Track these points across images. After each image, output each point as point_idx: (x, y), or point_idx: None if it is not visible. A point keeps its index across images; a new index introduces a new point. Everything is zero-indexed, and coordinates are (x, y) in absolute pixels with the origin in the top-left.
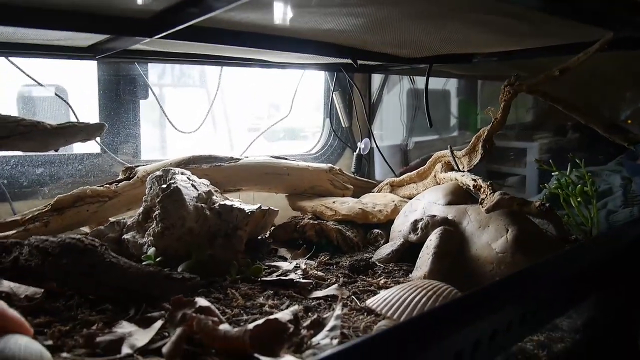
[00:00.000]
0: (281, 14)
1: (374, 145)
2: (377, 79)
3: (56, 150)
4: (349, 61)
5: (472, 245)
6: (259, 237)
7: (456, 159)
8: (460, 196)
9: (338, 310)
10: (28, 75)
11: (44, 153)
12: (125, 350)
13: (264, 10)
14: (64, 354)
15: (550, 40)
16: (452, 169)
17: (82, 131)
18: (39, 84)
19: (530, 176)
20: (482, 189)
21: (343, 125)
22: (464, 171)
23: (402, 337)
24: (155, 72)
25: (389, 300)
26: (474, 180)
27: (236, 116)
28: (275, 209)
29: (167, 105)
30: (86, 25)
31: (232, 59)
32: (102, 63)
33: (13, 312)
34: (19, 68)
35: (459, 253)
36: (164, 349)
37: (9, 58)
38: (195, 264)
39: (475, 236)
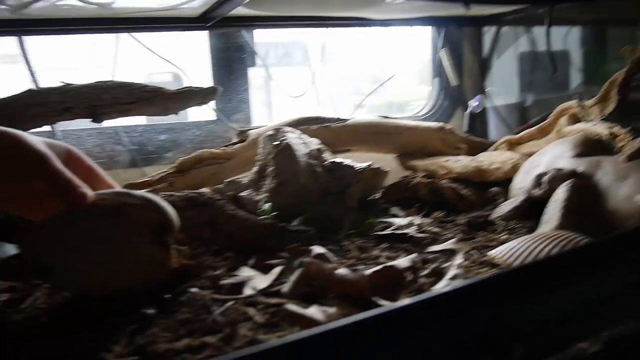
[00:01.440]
0: None
1: (487, 103)
2: (489, 32)
3: (176, 114)
4: (458, 13)
5: (608, 199)
6: (369, 198)
7: (585, 109)
8: (591, 147)
9: (459, 259)
10: (150, 50)
11: (166, 121)
12: (248, 291)
13: None
14: (194, 289)
15: None
16: (579, 121)
17: (198, 95)
18: (162, 57)
19: None
20: (620, 137)
21: (452, 84)
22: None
23: (522, 280)
24: (259, 53)
25: (516, 250)
26: (610, 127)
27: (340, 92)
28: (385, 170)
29: (271, 84)
30: None
31: (334, 19)
32: (213, 33)
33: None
34: (141, 43)
35: (592, 208)
36: (284, 289)
37: (132, 34)
38: (309, 219)
39: (612, 189)
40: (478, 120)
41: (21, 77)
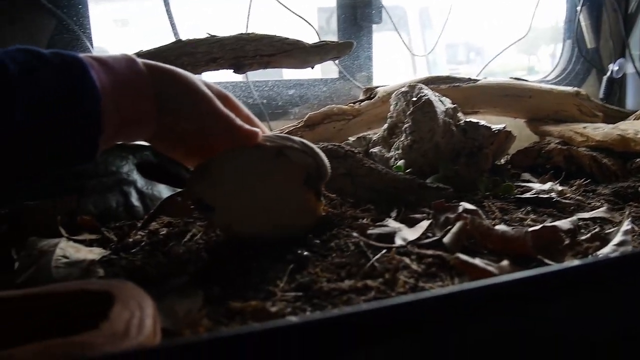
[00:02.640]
0: None
1: (632, 68)
2: None
3: (312, 68)
4: None
5: None
6: (496, 162)
7: None
8: None
9: (626, 225)
10: (283, 5)
11: (294, 77)
12: (399, 241)
13: None
14: (355, 233)
15: None
16: None
17: (334, 49)
18: (294, 12)
19: None
20: None
21: (588, 46)
22: None
23: None
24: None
25: None
26: None
27: (434, 60)
28: (514, 134)
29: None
30: None
31: None
32: None
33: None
34: (280, 3)
35: None
36: (445, 240)
37: None
38: (441, 178)
39: None
40: (616, 87)
41: (130, 39)
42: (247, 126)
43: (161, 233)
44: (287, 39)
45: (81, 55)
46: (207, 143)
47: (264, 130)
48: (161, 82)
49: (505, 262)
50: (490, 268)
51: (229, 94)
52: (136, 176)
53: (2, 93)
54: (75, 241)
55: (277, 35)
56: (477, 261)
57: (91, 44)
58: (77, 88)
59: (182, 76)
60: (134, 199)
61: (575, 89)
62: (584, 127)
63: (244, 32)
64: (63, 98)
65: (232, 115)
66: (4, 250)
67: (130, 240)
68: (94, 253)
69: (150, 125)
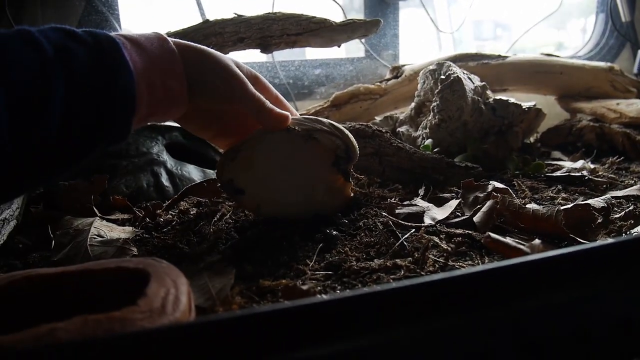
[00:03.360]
0: None
1: None
2: None
3: (339, 46)
4: None
5: None
6: (525, 141)
7: None
8: None
9: None
10: None
11: (320, 56)
12: (428, 221)
13: None
14: (384, 212)
15: None
16: None
17: (362, 27)
18: None
19: None
20: None
21: (622, 20)
22: None
23: None
24: None
25: None
26: None
27: (459, 37)
28: (544, 112)
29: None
30: None
31: None
32: None
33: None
34: None
35: None
36: (476, 219)
37: None
38: (471, 157)
39: None
40: None
41: (156, 20)
42: (277, 109)
43: (191, 213)
44: (314, 17)
45: (113, 34)
46: (236, 124)
47: (291, 111)
48: (192, 62)
49: (537, 241)
50: (522, 247)
51: (258, 75)
52: (166, 157)
53: (39, 72)
54: (108, 220)
55: (304, 14)
56: (509, 240)
57: (119, 25)
58: (110, 68)
59: (213, 56)
60: (164, 179)
61: (609, 64)
62: (617, 104)
63: (270, 11)
64: (97, 78)
65: (262, 97)
66: (40, 228)
67: (162, 220)
68: (127, 232)
69: (181, 105)
